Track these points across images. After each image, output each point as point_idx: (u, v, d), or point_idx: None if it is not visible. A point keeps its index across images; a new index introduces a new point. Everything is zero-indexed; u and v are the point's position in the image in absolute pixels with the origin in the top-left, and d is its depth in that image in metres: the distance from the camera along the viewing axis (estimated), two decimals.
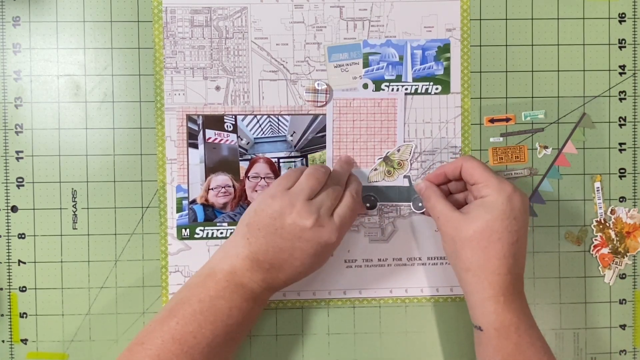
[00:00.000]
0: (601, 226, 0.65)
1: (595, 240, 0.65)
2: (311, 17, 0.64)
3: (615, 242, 0.65)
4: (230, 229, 0.64)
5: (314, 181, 0.56)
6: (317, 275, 0.64)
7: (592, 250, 0.65)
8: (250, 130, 0.64)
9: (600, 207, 0.65)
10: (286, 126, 0.64)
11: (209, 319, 0.53)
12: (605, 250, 0.65)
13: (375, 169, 0.65)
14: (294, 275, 0.56)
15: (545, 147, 0.65)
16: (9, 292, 0.63)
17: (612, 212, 0.65)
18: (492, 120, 0.65)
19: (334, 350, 0.64)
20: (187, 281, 0.57)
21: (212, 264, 0.56)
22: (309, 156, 0.64)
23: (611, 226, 0.66)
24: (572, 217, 0.65)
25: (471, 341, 0.65)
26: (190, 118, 0.64)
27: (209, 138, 0.64)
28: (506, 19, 0.65)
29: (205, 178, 0.64)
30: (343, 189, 0.59)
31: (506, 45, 0.65)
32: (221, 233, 0.64)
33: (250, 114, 0.64)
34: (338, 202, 0.57)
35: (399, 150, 0.64)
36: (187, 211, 0.64)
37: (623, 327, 0.66)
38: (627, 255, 0.66)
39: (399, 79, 0.64)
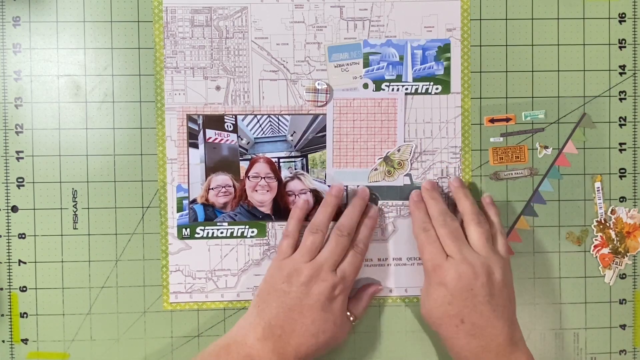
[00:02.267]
0: (601, 226, 0.65)
1: (596, 240, 0.66)
2: (311, 17, 0.64)
3: (615, 242, 0.65)
4: (231, 229, 0.64)
5: (309, 244, 0.59)
6: None
7: (593, 250, 0.65)
8: (251, 130, 0.64)
9: (601, 207, 0.65)
10: (286, 126, 0.64)
11: None
12: (605, 250, 0.65)
13: (376, 169, 0.65)
14: (306, 338, 0.57)
15: (546, 147, 0.65)
16: (9, 292, 0.63)
17: (613, 212, 0.65)
18: (492, 120, 0.65)
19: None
20: (206, 350, 0.58)
21: (229, 337, 0.58)
22: (309, 156, 0.64)
23: (611, 226, 0.66)
24: (572, 217, 0.65)
25: None
26: (190, 118, 0.64)
27: (209, 138, 0.64)
28: (506, 19, 0.65)
29: (206, 178, 0.64)
30: (350, 239, 0.60)
31: (506, 45, 0.65)
32: (221, 233, 0.64)
33: (251, 114, 0.64)
34: (343, 256, 0.60)
35: (399, 150, 0.65)
36: (187, 211, 0.64)
37: (623, 327, 0.66)
38: (627, 255, 0.66)
39: (399, 78, 0.64)
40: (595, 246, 0.66)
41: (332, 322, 0.58)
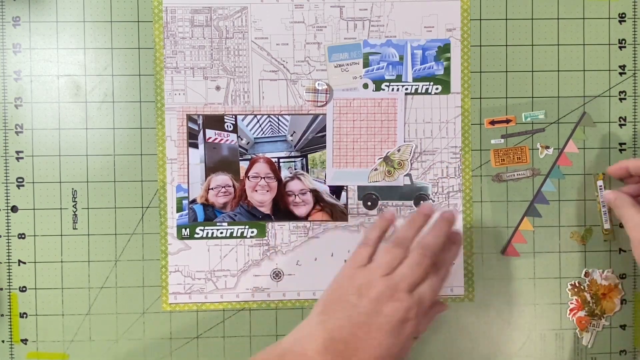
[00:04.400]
0: (576, 289, 0.65)
1: (571, 304, 0.65)
2: (311, 17, 0.64)
3: (591, 304, 0.65)
4: (230, 229, 0.64)
5: (390, 258, 0.53)
6: (317, 275, 0.64)
7: (569, 314, 0.65)
8: (251, 130, 0.64)
9: (604, 206, 0.65)
10: (286, 126, 0.64)
11: None
12: (581, 314, 0.65)
13: (376, 169, 0.65)
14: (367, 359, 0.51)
15: (547, 147, 0.65)
16: (9, 292, 0.63)
17: (587, 274, 0.65)
18: (492, 122, 0.65)
19: None
20: (257, 358, 0.53)
21: (285, 345, 0.53)
22: (309, 156, 0.64)
23: (586, 289, 0.65)
24: (575, 217, 0.65)
25: (470, 341, 0.65)
26: (190, 118, 0.64)
27: (209, 138, 0.64)
28: (506, 19, 0.65)
29: (206, 178, 0.64)
30: (432, 262, 0.54)
31: (506, 45, 0.65)
32: (221, 233, 0.64)
33: (251, 114, 0.64)
34: (423, 277, 0.53)
35: (399, 150, 0.64)
36: (187, 211, 0.64)
37: (623, 327, 0.66)
38: (604, 317, 0.65)
39: (399, 79, 0.64)
40: (571, 310, 0.65)
41: (398, 348, 0.51)
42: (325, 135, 0.64)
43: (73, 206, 0.63)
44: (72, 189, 0.63)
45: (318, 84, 0.64)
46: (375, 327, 0.51)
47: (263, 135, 0.64)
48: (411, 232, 0.55)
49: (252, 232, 0.64)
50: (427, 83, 0.64)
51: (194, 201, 0.64)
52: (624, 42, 0.65)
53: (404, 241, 0.54)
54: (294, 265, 0.65)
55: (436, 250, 0.54)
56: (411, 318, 0.51)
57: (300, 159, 0.64)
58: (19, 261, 0.63)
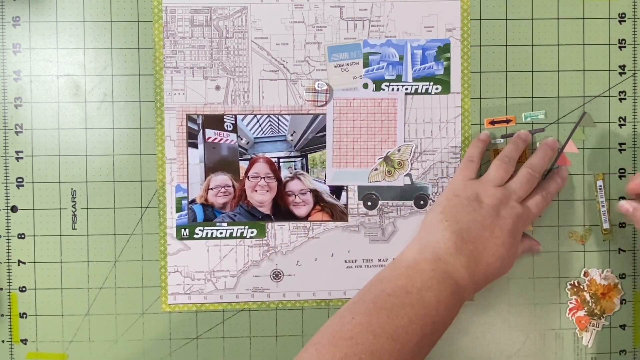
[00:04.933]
0: (575, 289, 0.65)
1: (571, 303, 0.65)
2: (311, 17, 0.64)
3: (590, 304, 0.65)
4: (230, 229, 0.64)
5: (503, 172, 0.59)
6: (317, 275, 0.64)
7: (568, 314, 0.65)
8: (250, 130, 0.64)
9: (603, 206, 0.65)
10: (286, 126, 0.64)
11: (419, 313, 0.51)
12: (581, 313, 0.65)
13: (376, 169, 0.64)
14: (495, 259, 0.55)
15: None
16: (9, 292, 0.63)
17: (586, 274, 0.65)
18: (492, 122, 0.65)
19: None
20: (378, 275, 0.55)
21: (410, 256, 0.55)
22: (309, 156, 0.64)
23: (585, 289, 0.65)
24: (574, 217, 0.65)
25: (470, 341, 0.65)
26: (190, 118, 0.64)
27: (209, 138, 0.64)
28: (506, 19, 0.65)
29: (205, 178, 0.64)
30: (538, 180, 0.60)
31: (506, 45, 0.65)
32: (220, 233, 0.64)
33: (250, 114, 0.64)
34: (528, 193, 0.59)
35: (399, 150, 0.64)
36: (186, 211, 0.64)
37: (623, 327, 0.66)
38: (603, 317, 0.65)
39: (399, 78, 0.64)
40: (571, 309, 0.65)
41: (515, 249, 0.57)
42: (325, 135, 0.64)
43: (72, 206, 0.63)
44: (72, 189, 0.63)
45: (318, 84, 0.64)
46: (499, 228, 0.56)
47: (263, 135, 0.64)
48: (517, 150, 0.62)
49: (252, 232, 0.64)
50: (427, 83, 0.64)
51: (193, 201, 0.64)
52: (624, 42, 0.65)
53: (511, 158, 0.60)
54: (294, 265, 0.65)
55: (542, 170, 0.61)
56: (522, 225, 0.58)
57: (300, 159, 0.64)
58: (19, 261, 0.63)
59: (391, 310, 0.50)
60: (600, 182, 0.65)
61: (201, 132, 0.63)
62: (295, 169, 0.64)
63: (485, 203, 0.57)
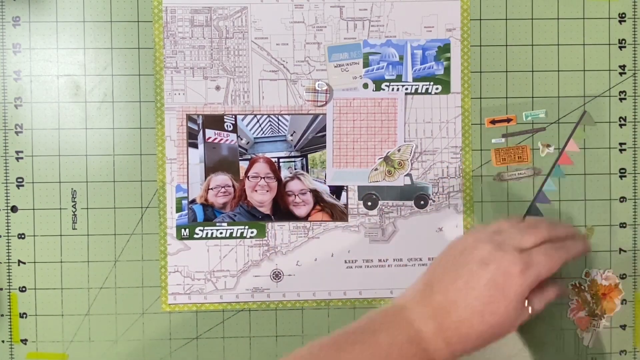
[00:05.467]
0: (576, 289, 0.65)
1: (572, 304, 0.65)
2: (311, 17, 0.64)
3: (591, 304, 0.65)
4: (230, 229, 0.64)
5: (506, 223, 0.54)
6: (317, 275, 0.64)
7: (569, 314, 0.65)
8: (250, 130, 0.64)
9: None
10: (286, 126, 0.64)
11: (367, 351, 0.49)
12: (582, 314, 0.65)
13: (376, 169, 0.64)
14: (468, 316, 0.49)
15: (548, 146, 0.65)
16: (9, 292, 0.63)
17: (587, 275, 0.65)
18: (493, 122, 0.65)
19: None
20: (369, 313, 0.53)
21: (393, 302, 0.54)
22: (309, 156, 0.64)
23: (586, 289, 0.65)
24: (576, 216, 0.65)
25: None
26: (190, 118, 0.64)
27: (209, 138, 0.64)
28: (506, 19, 0.65)
29: (205, 178, 0.64)
30: (545, 232, 0.52)
31: (506, 45, 0.65)
32: (220, 233, 0.64)
33: (250, 114, 0.64)
34: (534, 243, 0.51)
35: (399, 150, 0.64)
36: (186, 211, 0.64)
37: (623, 327, 0.66)
38: (604, 317, 0.65)
39: (399, 78, 0.64)
40: (572, 310, 0.65)
41: (503, 306, 0.50)
42: (325, 135, 0.64)
43: (73, 206, 0.63)
44: (72, 189, 0.63)
45: (318, 84, 0.64)
46: (475, 277, 0.49)
47: (263, 135, 0.64)
48: (553, 233, 0.54)
49: (252, 232, 0.64)
50: (427, 83, 0.64)
51: (193, 201, 0.64)
52: (624, 42, 0.65)
53: (541, 229, 0.53)
54: (294, 265, 0.65)
55: (553, 231, 0.53)
56: (515, 274, 0.49)
57: (300, 159, 0.64)
58: (19, 261, 0.63)
59: (343, 344, 0.50)
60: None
61: (201, 132, 0.63)
62: (295, 169, 0.64)
63: (470, 249, 0.51)
